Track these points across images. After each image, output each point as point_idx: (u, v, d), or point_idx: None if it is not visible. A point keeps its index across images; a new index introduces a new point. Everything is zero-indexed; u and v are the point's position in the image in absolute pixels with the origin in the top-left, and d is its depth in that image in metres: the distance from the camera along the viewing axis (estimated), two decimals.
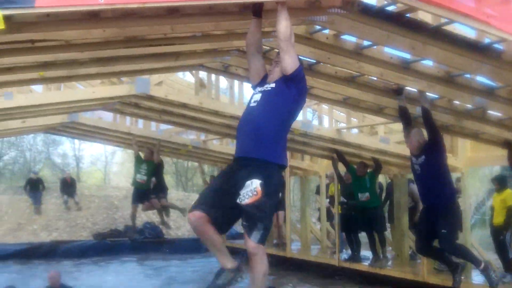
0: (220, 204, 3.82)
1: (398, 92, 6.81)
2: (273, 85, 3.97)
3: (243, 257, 4.10)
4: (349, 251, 12.13)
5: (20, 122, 10.52)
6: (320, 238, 14.67)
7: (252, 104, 3.97)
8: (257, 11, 3.99)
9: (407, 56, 5.85)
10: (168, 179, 40.81)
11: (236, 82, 9.01)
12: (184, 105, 8.85)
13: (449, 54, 5.26)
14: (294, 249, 14.15)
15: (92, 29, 4.07)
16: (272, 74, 4.10)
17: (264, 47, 5.90)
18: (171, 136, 12.62)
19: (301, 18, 4.63)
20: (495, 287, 6.55)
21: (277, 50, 5.93)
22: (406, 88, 6.74)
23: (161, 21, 4.07)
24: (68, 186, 19.73)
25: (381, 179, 13.89)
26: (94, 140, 15.55)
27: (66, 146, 39.43)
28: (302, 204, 15.04)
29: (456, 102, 7.26)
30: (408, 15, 4.69)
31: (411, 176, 10.51)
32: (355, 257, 11.77)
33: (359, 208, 11.31)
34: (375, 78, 6.60)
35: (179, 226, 19.54)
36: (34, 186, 19.21)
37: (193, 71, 8.88)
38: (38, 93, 8.18)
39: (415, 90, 6.74)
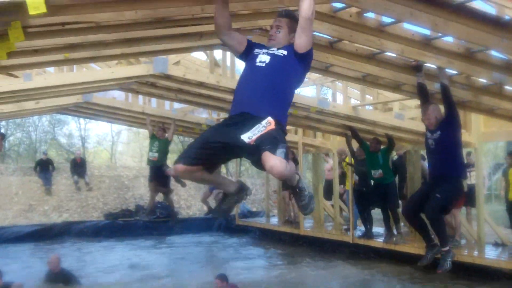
0: (208, 155, 3.63)
1: (417, 68, 6.83)
2: (284, 52, 3.81)
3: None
4: (363, 228, 12.24)
5: (34, 103, 10.60)
6: (333, 215, 14.78)
7: (259, 64, 3.78)
8: None
9: (427, 32, 5.90)
10: (174, 158, 41.04)
11: None
12: (201, 84, 8.90)
13: (470, 30, 5.28)
14: (307, 226, 14.28)
15: (125, 11, 4.11)
16: (274, 40, 3.91)
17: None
18: (185, 115, 12.68)
19: None
20: (442, 271, 6.54)
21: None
22: (426, 64, 6.77)
23: (193, 2, 4.12)
24: (78, 166, 19.80)
25: None
26: (107, 120, 15.62)
27: (72, 126, 39.50)
28: (314, 181, 15.14)
29: (474, 78, 7.31)
30: None
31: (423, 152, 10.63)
32: (369, 233, 11.88)
33: (373, 184, 11.40)
34: (395, 55, 6.65)
35: (190, 205, 19.71)
36: (44, 167, 19.31)
37: (208, 51, 8.92)
38: (56, 74, 8.24)
39: (434, 66, 6.75)
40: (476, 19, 5.04)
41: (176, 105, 12.42)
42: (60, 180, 19.84)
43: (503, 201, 12.48)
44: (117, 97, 12.05)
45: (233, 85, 8.80)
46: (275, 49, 3.84)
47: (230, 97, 9.57)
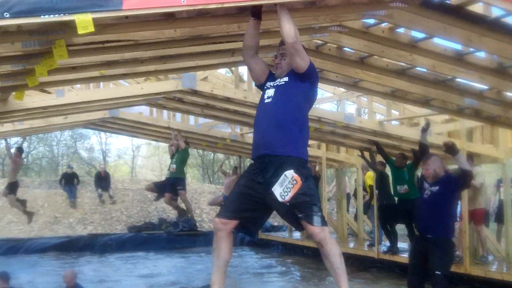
0: (246, 207, 3.77)
1: (424, 130, 7.03)
2: (285, 79, 3.92)
3: None
4: (387, 243, 12.15)
5: (63, 118, 10.74)
6: (357, 230, 14.72)
7: (267, 100, 3.89)
8: (257, 12, 3.83)
9: (459, 47, 5.91)
10: (195, 172, 41.28)
11: None
12: (228, 99, 8.96)
13: (504, 45, 5.31)
14: None
15: (165, 29, 4.18)
16: (280, 68, 4.02)
17: (317, 41, 6.03)
18: (209, 130, 12.75)
19: (362, 12, 4.70)
20: None
21: (332, 45, 6.08)
22: (457, 80, 6.79)
23: (231, 20, 4.17)
24: (102, 179, 20.04)
25: None
26: (132, 134, 15.77)
27: (93, 140, 39.94)
28: (338, 196, 15.10)
29: (505, 92, 7.29)
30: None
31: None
32: (394, 249, 11.79)
33: (398, 200, 11.34)
34: (425, 70, 6.67)
35: (212, 219, 19.70)
36: (69, 181, 19.56)
37: (233, 67, 9.00)
38: (88, 90, 8.37)
39: (465, 81, 6.78)
40: (510, 34, 5.04)
41: (201, 120, 12.50)
42: (84, 193, 20.03)
43: None
44: (142, 112, 12.19)
45: (258, 100, 8.88)
46: (280, 79, 3.97)
47: (255, 111, 9.66)
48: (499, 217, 11.31)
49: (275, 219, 20.22)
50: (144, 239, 16.88)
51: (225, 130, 13.47)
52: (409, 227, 11.24)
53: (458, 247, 10.46)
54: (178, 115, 12.50)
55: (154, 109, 12.08)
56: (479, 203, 10.13)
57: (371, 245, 12.96)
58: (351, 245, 13.97)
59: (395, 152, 11.33)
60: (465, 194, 9.78)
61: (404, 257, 11.54)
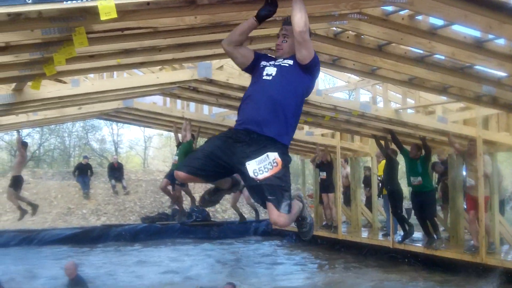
0: (210, 168, 3.65)
1: None
2: (290, 62, 3.77)
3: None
4: (401, 233, 12.12)
5: (76, 109, 10.75)
6: (372, 220, 14.70)
7: (266, 77, 3.73)
8: (263, 17, 3.75)
9: (478, 34, 5.85)
10: None
11: None
12: (243, 88, 8.92)
13: None
14: (344, 231, 14.21)
15: (185, 16, 4.15)
16: (281, 50, 3.87)
17: (335, 29, 5.98)
18: (223, 119, 12.72)
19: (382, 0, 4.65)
20: None
21: (351, 32, 6.03)
22: (476, 67, 6.74)
23: (252, 6, 4.13)
24: (116, 170, 20.14)
25: None
26: (145, 124, 15.77)
27: (105, 132, 40.06)
28: (352, 185, 15.06)
29: None
30: None
31: None
32: (408, 238, 11.78)
33: (412, 192, 11.33)
34: (443, 58, 6.61)
35: (225, 209, 19.77)
36: (83, 171, 19.67)
37: None
38: (103, 80, 8.36)
39: (484, 69, 6.72)
40: None
41: (215, 109, 12.46)
42: (97, 184, 20.15)
43: None
44: (156, 102, 12.17)
45: None
46: (282, 59, 3.83)
47: None
48: None
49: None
50: (157, 229, 16.97)
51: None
52: (420, 219, 11.22)
53: (473, 237, 10.44)
54: (192, 104, 12.46)
55: (168, 99, 12.05)
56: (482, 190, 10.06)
57: (385, 234, 12.93)
58: (366, 234, 13.92)
59: (410, 140, 11.30)
60: (481, 182, 9.75)
61: (420, 247, 11.54)
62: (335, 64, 7.12)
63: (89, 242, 15.60)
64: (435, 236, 11.20)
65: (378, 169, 13.99)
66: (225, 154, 3.63)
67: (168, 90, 9.68)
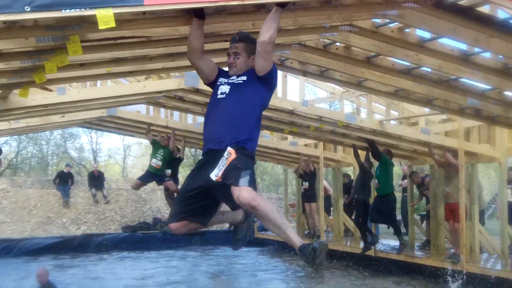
0: (192, 203, 3.66)
1: None
2: (244, 77, 3.80)
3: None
4: (383, 241, 12.22)
5: (60, 117, 10.66)
6: (353, 228, 14.77)
7: (220, 96, 3.77)
8: (200, 12, 3.72)
9: (465, 47, 5.95)
10: (187, 172, 41.21)
11: (279, 74, 9.10)
12: None
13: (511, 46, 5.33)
14: (327, 240, 14.27)
15: (180, 26, 4.16)
16: (234, 67, 3.88)
17: (325, 40, 6.03)
18: None
19: (375, 12, 4.70)
20: None
21: (341, 44, 6.08)
22: (461, 80, 6.85)
23: (246, 17, 4.16)
24: (96, 179, 19.97)
25: None
26: (129, 134, 15.65)
27: (84, 140, 39.84)
28: (334, 194, 15.13)
29: (507, 93, 7.35)
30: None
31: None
32: (369, 249, 11.82)
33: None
34: (430, 70, 6.70)
35: None
36: (64, 180, 19.49)
37: None
38: (89, 88, 8.32)
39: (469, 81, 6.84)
40: None
41: (200, 118, 12.44)
42: (77, 193, 19.94)
43: None
44: (140, 111, 12.11)
45: None
46: (236, 77, 3.83)
47: None
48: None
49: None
50: (139, 238, 16.85)
51: None
52: (375, 221, 11.35)
53: (454, 246, 10.58)
54: (176, 113, 12.43)
55: (151, 108, 12.00)
56: (455, 197, 10.23)
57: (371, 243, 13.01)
58: (348, 243, 14.00)
59: (393, 151, 11.44)
60: (462, 192, 9.90)
61: (402, 255, 11.66)
62: (323, 75, 7.18)
63: (70, 251, 15.41)
64: (402, 241, 11.31)
65: None
66: (195, 182, 3.66)
67: (153, 99, 9.66)
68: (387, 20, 5.21)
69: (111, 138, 42.09)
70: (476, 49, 5.84)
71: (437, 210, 11.88)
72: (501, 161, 10.80)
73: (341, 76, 7.19)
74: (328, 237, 14.68)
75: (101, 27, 3.18)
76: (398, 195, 14.82)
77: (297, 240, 3.45)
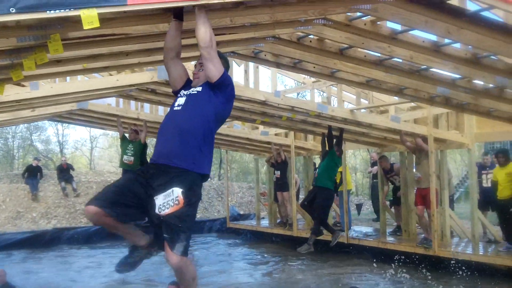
0: (122, 203, 3.51)
1: None
2: (199, 89, 3.79)
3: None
4: (356, 228, 12.39)
5: (30, 111, 10.55)
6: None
7: (176, 108, 3.75)
8: (179, 13, 3.74)
9: (435, 38, 6.10)
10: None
11: (250, 66, 9.17)
12: None
13: (481, 37, 5.48)
14: (300, 228, 14.43)
15: (159, 23, 4.19)
16: (198, 78, 3.90)
17: (299, 33, 6.11)
18: None
19: (349, 6, 4.79)
20: None
21: (314, 37, 6.17)
22: (432, 69, 7.01)
23: (225, 14, 4.21)
24: (65, 172, 19.77)
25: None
26: (100, 127, 15.52)
27: (50, 132, 39.34)
28: (306, 183, 15.29)
29: (476, 82, 7.53)
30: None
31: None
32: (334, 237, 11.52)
33: None
34: (401, 61, 6.83)
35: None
36: (33, 174, 19.25)
37: None
38: (62, 83, 8.25)
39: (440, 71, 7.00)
40: (487, 27, 5.23)
41: None
42: (47, 186, 19.71)
43: None
44: (111, 103, 12.01)
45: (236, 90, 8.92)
46: (193, 88, 3.84)
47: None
48: (483, 204, 11.47)
49: (240, 208, 20.39)
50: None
51: None
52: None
53: (425, 231, 10.82)
54: (147, 105, 12.37)
55: (121, 100, 11.90)
56: (426, 183, 10.48)
57: (340, 230, 13.15)
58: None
59: (364, 139, 11.59)
60: (432, 178, 10.14)
61: (374, 241, 11.92)
62: (296, 66, 7.26)
63: (41, 247, 15.30)
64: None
65: None
66: (136, 187, 3.57)
67: (125, 92, 9.63)
68: (361, 14, 5.31)
69: (77, 130, 41.62)
70: (447, 40, 5.98)
71: (407, 196, 12.13)
72: (470, 147, 11.08)
73: (314, 67, 7.28)
74: (299, 225, 14.81)
75: (85, 27, 3.19)
76: (366, 181, 15.03)
77: None
